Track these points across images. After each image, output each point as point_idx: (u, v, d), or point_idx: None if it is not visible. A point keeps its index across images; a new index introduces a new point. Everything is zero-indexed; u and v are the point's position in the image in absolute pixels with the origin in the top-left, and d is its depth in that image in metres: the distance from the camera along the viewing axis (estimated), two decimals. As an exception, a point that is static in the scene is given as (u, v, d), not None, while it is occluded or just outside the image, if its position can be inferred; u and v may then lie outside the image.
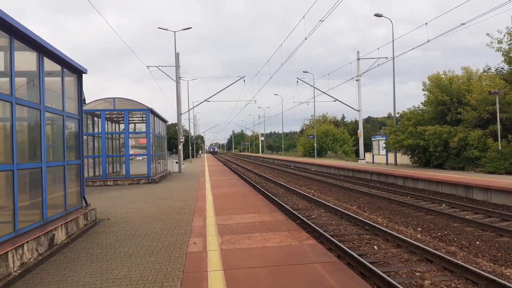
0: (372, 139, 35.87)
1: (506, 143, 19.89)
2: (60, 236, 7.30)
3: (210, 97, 33.38)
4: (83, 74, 9.51)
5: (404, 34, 77.58)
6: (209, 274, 5.14)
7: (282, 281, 4.80)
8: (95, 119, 21.08)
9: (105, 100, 19.80)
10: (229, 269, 5.33)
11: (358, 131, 34.28)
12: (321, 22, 18.45)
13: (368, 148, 39.86)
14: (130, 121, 23.37)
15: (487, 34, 23.21)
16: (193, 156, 64.17)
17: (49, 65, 7.75)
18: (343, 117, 78.73)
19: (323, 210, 13.11)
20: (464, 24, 15.94)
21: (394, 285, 5.72)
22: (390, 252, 7.96)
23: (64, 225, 7.53)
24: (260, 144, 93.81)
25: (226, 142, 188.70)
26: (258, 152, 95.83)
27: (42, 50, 7.23)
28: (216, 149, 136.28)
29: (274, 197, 15.57)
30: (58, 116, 8.20)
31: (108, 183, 19.35)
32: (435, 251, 7.37)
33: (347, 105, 35.18)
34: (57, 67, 8.21)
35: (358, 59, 33.02)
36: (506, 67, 23.75)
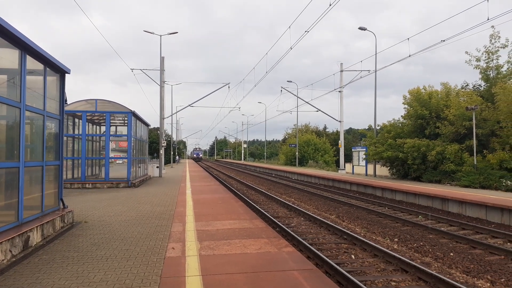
0: (353, 150, 36.34)
1: (481, 158, 20.44)
2: (36, 238, 7.16)
3: (194, 102, 33.31)
4: (66, 74, 9.40)
5: (386, 48, 79.10)
6: (187, 280, 5.12)
7: (259, 287, 4.82)
8: (76, 120, 20.76)
9: (87, 102, 19.53)
10: (208, 274, 5.33)
11: (339, 141, 34.70)
12: (306, 32, 18.71)
13: (349, 158, 40.35)
14: (111, 124, 23.08)
15: (466, 52, 23.97)
16: (174, 161, 63.63)
17: (32, 63, 7.64)
18: (325, 128, 79.56)
19: (302, 219, 13.20)
20: (444, 40, 16.43)
21: (370, 293, 5.82)
22: (367, 262, 8.08)
23: (40, 226, 7.39)
24: (242, 151, 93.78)
25: (208, 148, 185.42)
26: (241, 159, 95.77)
27: (25, 48, 7.13)
28: (200, 155, 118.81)
29: (254, 204, 15.60)
30: (38, 115, 8.07)
31: (87, 185, 19.02)
32: (411, 262, 7.52)
33: (329, 116, 35.62)
34: (40, 66, 8.09)
35: (342, 71, 33.53)
36: (483, 84, 24.52)
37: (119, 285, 4.95)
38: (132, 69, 31.54)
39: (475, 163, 19.95)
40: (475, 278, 7.30)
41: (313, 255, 8.15)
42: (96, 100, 19.51)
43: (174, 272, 5.45)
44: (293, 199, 18.92)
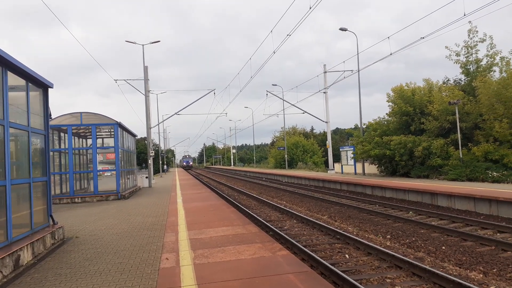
0: (341, 149, 36.61)
1: (467, 151, 20.81)
2: (26, 256, 7.03)
3: (180, 110, 33.20)
4: (49, 89, 9.29)
5: (368, 48, 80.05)
6: (183, 289, 5.09)
7: (256, 293, 4.82)
8: (62, 134, 20.50)
9: (71, 115, 19.31)
10: (203, 283, 5.30)
11: (327, 142, 34.91)
12: (288, 36, 18.85)
13: (337, 158, 40.62)
14: (98, 136, 22.85)
15: (446, 47, 24.44)
16: (163, 171, 63.18)
17: (13, 79, 7.54)
18: (312, 129, 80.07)
19: (295, 221, 13.23)
20: (423, 38, 16.71)
21: (366, 292, 5.86)
22: (361, 260, 8.14)
23: (30, 245, 7.26)
24: (231, 157, 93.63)
25: (197, 155, 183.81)
26: (230, 165, 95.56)
27: (6, 64, 7.04)
28: (190, 163, 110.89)
29: (246, 210, 15.58)
30: (23, 131, 7.96)
31: (76, 200, 18.77)
32: (404, 258, 7.59)
33: (316, 117, 35.83)
34: (22, 82, 7.99)
35: (325, 72, 33.80)
36: (463, 78, 25.00)
37: (115, 300, 4.90)
38: (115, 80, 31.34)
39: (461, 156, 20.29)
40: (468, 270, 7.40)
41: (307, 257, 8.17)
42: (81, 113, 19.31)
43: (169, 283, 5.41)
44: (284, 202, 18.95)
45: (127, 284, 5.51)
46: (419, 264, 7.13)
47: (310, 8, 15.41)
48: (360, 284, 6.39)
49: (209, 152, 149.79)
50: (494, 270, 7.32)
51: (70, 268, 6.55)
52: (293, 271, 5.60)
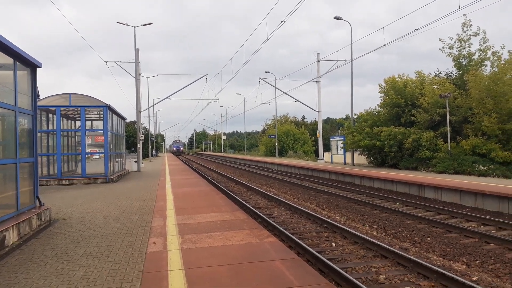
0: (331, 139, 36.75)
1: (455, 144, 21.03)
2: (12, 237, 6.97)
3: (172, 94, 32.93)
4: (38, 68, 9.10)
5: (362, 38, 79.93)
6: (170, 274, 5.10)
7: (242, 278, 4.85)
8: (50, 115, 20.20)
9: (60, 96, 19.02)
10: (190, 268, 5.32)
11: (318, 131, 35.01)
12: (282, 22, 18.68)
13: (327, 148, 40.79)
14: (86, 118, 22.58)
15: (440, 40, 24.45)
16: (152, 156, 62.90)
17: (0, 57, 7.37)
18: (303, 118, 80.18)
19: (283, 209, 13.30)
20: (417, 29, 16.71)
21: (351, 280, 5.93)
22: (348, 249, 8.23)
23: (16, 225, 7.19)
24: (222, 143, 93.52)
25: (187, 141, 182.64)
26: (220, 151, 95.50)
27: (-7, 42, 6.86)
28: (181, 148, 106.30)
29: (235, 196, 15.61)
30: (10, 111, 7.80)
31: (63, 182, 18.61)
32: (390, 247, 7.70)
33: (308, 106, 35.88)
34: (9, 60, 7.80)
35: (318, 61, 33.71)
36: (455, 71, 25.11)
37: (101, 282, 4.89)
38: (106, 62, 30.86)
39: (449, 149, 20.51)
40: (451, 261, 7.53)
41: (294, 245, 8.23)
42: (70, 94, 19.02)
43: (156, 267, 5.41)
44: (273, 190, 19.03)
45: (114, 267, 5.50)
46: (404, 254, 7.23)
47: (306, -5, 15.22)
48: (346, 272, 6.47)
49: (199, 138, 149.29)
50: (477, 261, 7.46)
51: (56, 250, 6.51)
52: (280, 258, 5.64)
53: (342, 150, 31.96)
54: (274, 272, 5.04)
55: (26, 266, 5.69)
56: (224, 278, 4.87)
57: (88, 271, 5.34)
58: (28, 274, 5.30)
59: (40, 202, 9.11)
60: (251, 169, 34.75)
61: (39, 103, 10.51)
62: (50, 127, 20.25)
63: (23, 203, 8.26)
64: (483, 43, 22.93)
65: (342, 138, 31.04)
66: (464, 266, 7.22)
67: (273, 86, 41.10)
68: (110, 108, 20.03)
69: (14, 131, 7.95)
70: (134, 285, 4.73)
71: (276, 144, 51.05)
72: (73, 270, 5.41)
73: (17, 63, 8.08)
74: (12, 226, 7.05)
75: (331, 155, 35.72)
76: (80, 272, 5.30)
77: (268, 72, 51.03)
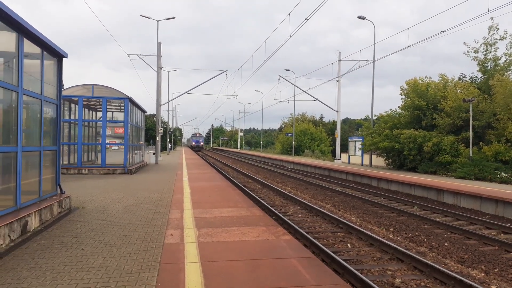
0: (349, 140, 36.42)
1: (477, 150, 20.58)
2: (34, 223, 7.15)
3: (192, 89, 33.12)
4: (64, 59, 9.29)
5: (385, 38, 78.84)
6: (186, 266, 5.15)
7: (259, 274, 4.86)
8: (72, 105, 20.60)
9: (83, 87, 19.37)
10: (207, 261, 5.36)
11: (336, 131, 34.73)
12: (306, 20, 18.58)
13: (345, 148, 40.47)
14: (107, 110, 22.95)
15: (464, 43, 23.97)
16: (170, 149, 63.53)
17: (29, 47, 7.54)
18: (321, 117, 79.69)
19: (299, 207, 13.27)
20: (444, 31, 16.38)
21: (367, 282, 5.89)
22: (363, 251, 8.16)
23: (38, 212, 7.37)
24: (239, 140, 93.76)
25: (204, 135, 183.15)
26: (237, 148, 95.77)
27: (23, 31, 7.03)
28: (201, 142, 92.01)
29: (251, 193, 15.64)
30: (36, 100, 8.00)
31: (83, 171, 18.97)
32: (406, 251, 7.60)
33: (327, 105, 35.57)
34: (37, 50, 7.99)
35: (340, 60, 33.39)
36: (480, 76, 24.56)
37: (119, 271, 4.97)
38: (128, 54, 31.22)
39: (471, 154, 20.08)
40: (470, 268, 7.40)
41: (309, 243, 8.21)
42: (92, 85, 19.36)
43: (173, 259, 5.47)
44: (289, 188, 18.99)
45: (132, 256, 5.58)
46: (421, 258, 7.13)
47: (330, -7, 15.08)
48: (361, 274, 6.43)
49: (216, 134, 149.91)
50: (496, 270, 7.30)
51: (76, 237, 6.65)
52: (296, 256, 5.63)
53: (360, 151, 31.65)
54: (290, 270, 5.04)
55: (47, 251, 5.83)
56: (240, 273, 4.90)
57: (107, 260, 5.44)
58: (48, 260, 5.43)
59: (61, 190, 9.32)
60: (267, 166, 34.76)
61: (62, 93, 10.72)
62: (72, 117, 20.65)
63: (45, 190, 8.46)
64: (510, 48, 22.39)
65: (361, 139, 30.73)
66: (482, 274, 7.08)
67: (292, 84, 40.92)
68: (131, 100, 20.30)
69: (39, 119, 8.14)
70: (151, 276, 4.80)
71: (293, 142, 50.87)
72: (92, 258, 5.52)
73: (45, 52, 8.27)
74: (35, 212, 7.23)
75: (349, 156, 35.41)
76: (99, 260, 5.41)
77: (288, 70, 50.92)
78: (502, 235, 10.04)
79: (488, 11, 14.09)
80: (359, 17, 28.29)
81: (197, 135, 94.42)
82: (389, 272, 6.83)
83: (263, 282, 4.61)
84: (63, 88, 10.69)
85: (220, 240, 6.55)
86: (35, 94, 7.89)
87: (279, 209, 12.68)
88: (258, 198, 14.12)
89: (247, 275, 4.83)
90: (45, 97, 8.31)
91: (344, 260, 7.06)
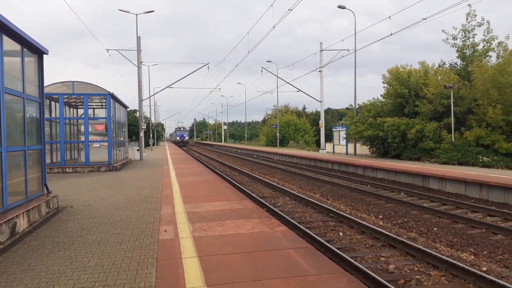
0: (333, 129, 36.68)
1: (459, 135, 21.00)
2: (22, 224, 6.97)
3: (173, 83, 32.78)
4: (44, 55, 9.03)
5: (366, 27, 79.42)
6: (184, 261, 5.11)
7: (258, 266, 4.86)
8: (52, 103, 20.11)
9: (63, 84, 18.92)
10: (204, 256, 5.33)
11: (320, 121, 34.95)
12: (290, 11, 18.53)
13: (328, 138, 40.76)
14: (89, 106, 22.48)
15: (443, 31, 24.31)
16: (153, 144, 62.87)
17: (8, 44, 7.29)
18: (304, 108, 79.71)
19: (288, 198, 13.33)
20: (425, 19, 16.56)
21: (362, 269, 5.96)
22: (355, 239, 8.26)
23: (26, 212, 7.19)
24: (223, 133, 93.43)
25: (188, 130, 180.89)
26: (221, 141, 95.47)
27: (1, 27, 6.79)
28: (186, 137, 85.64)
29: (240, 186, 15.63)
30: (18, 98, 7.75)
31: (67, 170, 18.61)
32: (398, 237, 7.72)
33: (310, 96, 35.73)
34: (17, 47, 7.74)
35: (321, 50, 33.50)
36: (459, 62, 24.98)
37: (116, 269, 4.90)
38: (107, 50, 30.69)
39: (453, 140, 20.49)
40: (459, 251, 7.57)
41: (302, 234, 8.25)
42: (73, 82, 18.91)
43: (169, 255, 5.42)
44: (277, 179, 19.05)
45: (127, 254, 5.51)
46: (413, 244, 7.25)
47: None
48: (355, 261, 6.50)
49: (199, 128, 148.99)
50: (485, 252, 7.49)
51: (68, 237, 6.52)
52: (293, 247, 5.65)
53: (344, 140, 31.93)
54: (288, 261, 5.06)
55: (39, 252, 5.71)
56: (239, 266, 4.89)
57: (102, 258, 5.35)
58: (41, 261, 5.31)
59: (48, 189, 9.12)
60: (252, 159, 34.76)
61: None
62: (52, 115, 20.17)
63: (31, 191, 8.26)
64: (487, 34, 22.83)
65: (345, 129, 30.99)
66: (472, 257, 7.25)
67: (275, 75, 40.92)
68: (113, 96, 19.95)
69: (22, 118, 7.91)
70: (149, 272, 4.75)
71: (278, 134, 50.98)
72: (87, 257, 5.42)
73: (25, 49, 8.02)
74: (23, 213, 7.05)
75: (333, 146, 35.69)
76: (94, 259, 5.32)
77: (270, 61, 50.82)
78: (488, 217, 10.29)
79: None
80: (340, 7, 28.35)
81: (181, 129, 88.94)
82: (382, 259, 6.94)
83: (263, 274, 4.61)
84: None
85: (215, 234, 6.52)
86: (17, 93, 7.66)
87: (269, 200, 12.71)
88: (247, 191, 14.12)
89: (246, 268, 4.83)
90: (27, 95, 8.08)
91: (337, 248, 7.13)
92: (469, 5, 22.79)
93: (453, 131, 20.61)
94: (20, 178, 7.89)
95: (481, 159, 18.42)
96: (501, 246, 7.78)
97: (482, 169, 17.13)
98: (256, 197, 12.75)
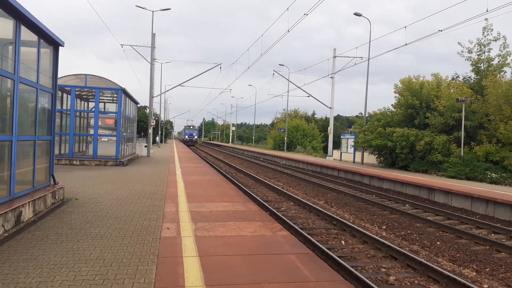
0: (341, 137, 36.57)
1: (468, 149, 20.80)
2: (27, 213, 7.06)
3: (185, 81, 32.88)
4: (60, 47, 9.15)
5: (381, 36, 79.24)
6: (185, 260, 5.13)
7: (258, 269, 4.87)
8: (64, 95, 20.33)
9: (76, 76, 19.13)
10: (205, 255, 5.35)
11: (329, 128, 34.85)
12: (305, 15, 18.54)
13: (337, 145, 40.65)
14: (100, 100, 22.70)
15: (459, 43, 24.12)
16: (161, 141, 63.18)
17: (26, 34, 7.40)
18: (314, 113, 79.71)
19: (292, 203, 13.31)
20: (441, 31, 16.46)
21: (362, 279, 5.94)
22: (357, 248, 8.23)
23: (32, 202, 7.29)
24: (231, 134, 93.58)
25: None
26: (228, 142, 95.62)
27: (21, 18, 6.90)
28: (195, 136, 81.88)
29: (244, 188, 15.64)
30: (32, 88, 7.87)
31: (74, 162, 18.79)
32: (400, 249, 7.68)
33: (320, 102, 35.58)
34: (34, 37, 7.86)
35: (335, 56, 33.44)
36: (473, 76, 24.77)
37: (117, 264, 4.94)
38: (122, 45, 30.93)
39: (462, 154, 20.30)
40: (462, 267, 7.50)
41: (304, 240, 8.23)
42: (86, 75, 19.12)
43: (171, 252, 5.45)
44: (281, 184, 19.03)
45: (129, 249, 5.55)
46: (415, 256, 7.21)
47: (329, -10, 15.05)
48: (356, 270, 6.47)
49: (208, 127, 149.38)
50: (487, 269, 7.41)
51: (71, 229, 6.59)
52: (294, 252, 5.65)
53: (352, 148, 31.80)
54: (289, 266, 5.06)
55: (42, 243, 5.77)
56: (239, 268, 4.90)
57: (104, 252, 5.40)
58: (44, 251, 5.37)
59: (54, 180, 9.22)
60: (259, 161, 34.77)
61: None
62: (63, 107, 20.39)
63: (38, 181, 8.37)
64: (503, 49, 22.61)
65: (353, 136, 30.87)
66: (474, 273, 7.18)
67: (286, 79, 40.92)
68: (125, 91, 20.11)
69: (34, 108, 8.02)
70: (150, 269, 4.78)
71: (286, 138, 50.94)
72: (89, 250, 5.47)
73: (41, 40, 8.13)
74: (28, 202, 7.14)
75: (341, 153, 35.58)
76: (96, 253, 5.36)
77: (282, 65, 50.62)
78: (493, 235, 10.18)
79: (487, 11, 14.18)
80: (356, 14, 28.32)
81: (191, 127, 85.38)
82: (383, 270, 6.90)
83: (263, 277, 4.62)
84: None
85: (217, 234, 6.54)
86: (31, 83, 7.77)
87: (272, 204, 12.70)
88: (252, 193, 14.12)
89: (246, 270, 4.83)
90: (41, 85, 8.19)
91: (338, 256, 7.10)
92: (486, 19, 22.61)
93: (462, 145, 20.43)
94: (28, 167, 8.00)
95: (490, 175, 18.23)
96: (504, 264, 7.69)
97: (490, 185, 16.95)
98: (260, 200, 12.75)
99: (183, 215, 7.98)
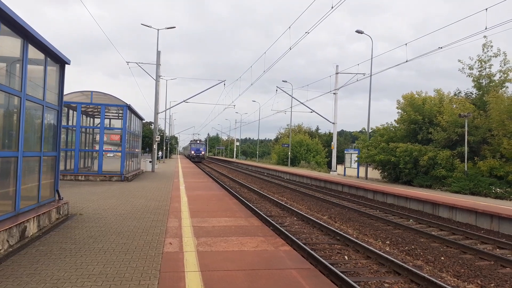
0: (345, 152, 36.57)
1: (472, 165, 20.74)
2: (32, 228, 7.13)
3: (189, 98, 33.29)
4: (66, 65, 9.34)
5: (383, 53, 79.72)
6: (186, 275, 5.16)
7: (259, 285, 4.88)
8: (70, 111, 20.59)
9: (82, 93, 19.39)
10: (206, 270, 5.37)
11: (332, 143, 34.88)
12: (307, 33, 18.80)
13: (340, 160, 40.59)
14: (105, 116, 22.94)
15: (459, 61, 24.29)
16: (166, 157, 63.39)
17: (33, 52, 7.59)
18: (317, 129, 79.90)
19: (295, 218, 13.29)
20: (441, 48, 16.62)
21: (365, 294, 5.91)
22: (360, 263, 8.19)
23: (37, 217, 7.36)
24: (235, 149, 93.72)
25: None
26: (232, 157, 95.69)
27: (27, 36, 7.09)
28: (202, 152, 72.78)
29: (248, 203, 15.65)
30: (38, 105, 8.02)
31: (80, 178, 18.91)
32: (403, 264, 7.64)
33: (324, 117, 35.74)
34: (41, 56, 8.05)
35: (337, 73, 33.69)
36: (475, 92, 24.85)
37: (119, 279, 4.97)
38: (127, 62, 31.36)
39: (466, 169, 20.23)
40: (466, 282, 7.44)
41: (306, 255, 8.22)
42: (91, 92, 19.39)
43: (173, 267, 5.48)
44: (285, 199, 19.01)
45: (132, 264, 5.58)
46: (418, 272, 7.17)
47: (332, 7, 15.35)
48: (359, 286, 6.45)
49: (212, 143, 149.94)
50: (492, 284, 7.35)
51: (75, 244, 6.64)
52: (296, 267, 5.66)
53: (356, 163, 31.76)
54: (290, 281, 5.07)
55: (46, 257, 5.82)
56: (240, 283, 4.91)
57: (107, 267, 5.43)
58: (48, 266, 5.42)
59: (59, 196, 9.30)
60: (263, 176, 34.76)
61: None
62: (70, 123, 20.63)
63: (43, 196, 8.45)
64: (504, 65, 22.72)
65: (357, 152, 30.87)
66: (479, 289, 7.12)
67: (289, 95, 41.17)
68: (130, 108, 20.34)
69: (40, 124, 8.16)
70: (152, 284, 4.80)
71: (289, 153, 50.97)
72: (92, 265, 5.51)
73: (48, 59, 8.32)
74: (33, 217, 7.21)
75: (344, 168, 35.51)
76: (99, 267, 5.40)
77: (286, 81, 51.14)
78: (498, 250, 10.10)
79: (486, 28, 14.34)
80: (357, 31, 28.64)
81: (198, 142, 75.78)
82: (386, 285, 6.87)
83: (264, 292, 4.63)
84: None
85: (219, 249, 6.56)
86: (38, 100, 7.93)
87: (275, 219, 12.69)
88: (255, 208, 14.13)
89: (247, 285, 4.85)
90: (47, 102, 8.35)
91: (341, 272, 7.08)
92: (485, 36, 22.80)
93: (466, 160, 20.38)
94: (34, 183, 8.09)
95: (494, 190, 18.13)
96: (509, 279, 7.63)
97: (494, 200, 16.84)
98: (263, 215, 12.75)
99: (186, 230, 8.01)
